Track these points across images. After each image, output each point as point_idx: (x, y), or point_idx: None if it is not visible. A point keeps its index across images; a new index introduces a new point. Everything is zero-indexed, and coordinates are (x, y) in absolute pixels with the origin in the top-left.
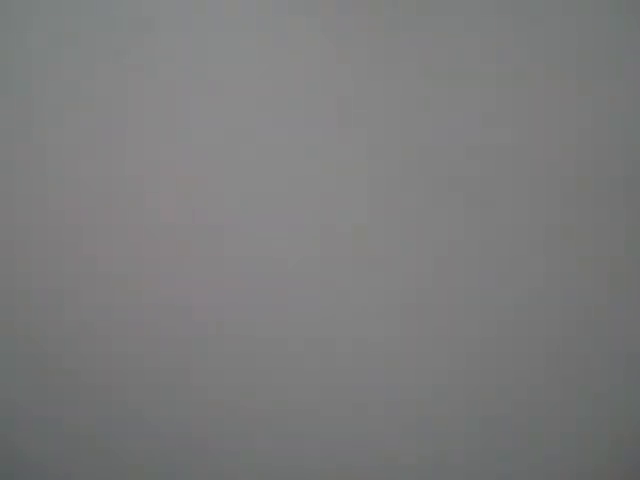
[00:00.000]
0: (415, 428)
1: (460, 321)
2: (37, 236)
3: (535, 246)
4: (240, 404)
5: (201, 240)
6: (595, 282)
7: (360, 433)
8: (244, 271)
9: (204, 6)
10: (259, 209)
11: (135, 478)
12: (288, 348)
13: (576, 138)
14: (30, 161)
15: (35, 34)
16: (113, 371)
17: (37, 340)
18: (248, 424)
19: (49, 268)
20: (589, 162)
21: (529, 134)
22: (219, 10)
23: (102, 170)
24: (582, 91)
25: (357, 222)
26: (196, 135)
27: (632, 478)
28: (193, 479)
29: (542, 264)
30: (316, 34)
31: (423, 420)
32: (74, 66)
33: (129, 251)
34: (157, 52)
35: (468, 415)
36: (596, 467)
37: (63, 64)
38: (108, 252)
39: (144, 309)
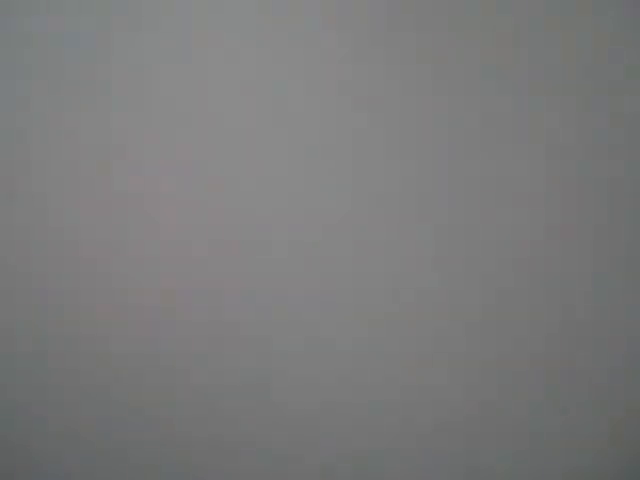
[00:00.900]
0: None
1: (460, 316)
2: (37, 236)
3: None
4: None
5: (201, 238)
6: (596, 275)
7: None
8: (244, 271)
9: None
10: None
11: (135, 477)
12: (285, 346)
13: (575, 139)
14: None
15: (35, 34)
16: (113, 371)
17: (37, 340)
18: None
19: (49, 268)
20: (588, 165)
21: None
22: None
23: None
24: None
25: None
26: (195, 133)
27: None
28: (193, 478)
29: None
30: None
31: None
32: (74, 66)
33: (129, 250)
34: (159, 53)
35: (467, 413)
36: (596, 465)
37: (63, 65)
38: (108, 252)
39: (144, 309)
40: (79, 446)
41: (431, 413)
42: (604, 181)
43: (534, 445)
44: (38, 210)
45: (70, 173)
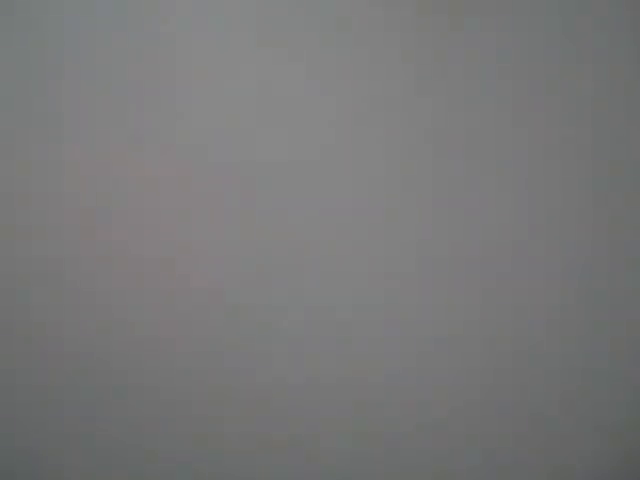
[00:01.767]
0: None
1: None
2: (37, 236)
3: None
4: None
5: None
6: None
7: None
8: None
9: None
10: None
11: (136, 477)
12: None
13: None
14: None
15: (36, 34)
16: (114, 369)
17: (37, 340)
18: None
19: (49, 268)
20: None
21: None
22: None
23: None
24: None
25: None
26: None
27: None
28: (194, 478)
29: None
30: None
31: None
32: (74, 67)
33: (129, 244)
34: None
35: (466, 411)
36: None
37: (63, 65)
38: (108, 252)
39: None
40: (79, 445)
41: (430, 412)
42: (605, 179)
43: (534, 445)
44: (38, 210)
45: (70, 173)
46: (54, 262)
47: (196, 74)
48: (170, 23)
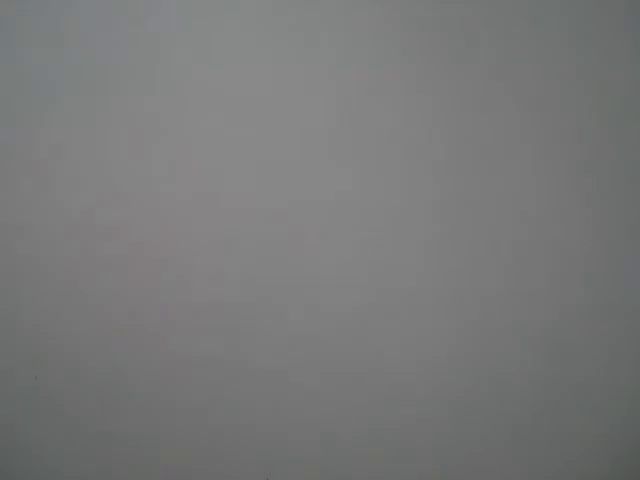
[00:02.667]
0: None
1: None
2: (38, 236)
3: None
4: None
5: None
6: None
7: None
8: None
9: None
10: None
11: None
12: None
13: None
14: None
15: (36, 34)
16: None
17: (37, 340)
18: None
19: (50, 268)
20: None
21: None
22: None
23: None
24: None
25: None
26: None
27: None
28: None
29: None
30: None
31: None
32: (74, 66)
33: (130, 240)
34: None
35: (467, 412)
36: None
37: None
38: (108, 250)
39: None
40: (79, 445)
41: (431, 412)
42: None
43: (533, 444)
44: (38, 209)
45: (71, 173)
46: (54, 262)
47: (196, 73)
48: (171, 23)
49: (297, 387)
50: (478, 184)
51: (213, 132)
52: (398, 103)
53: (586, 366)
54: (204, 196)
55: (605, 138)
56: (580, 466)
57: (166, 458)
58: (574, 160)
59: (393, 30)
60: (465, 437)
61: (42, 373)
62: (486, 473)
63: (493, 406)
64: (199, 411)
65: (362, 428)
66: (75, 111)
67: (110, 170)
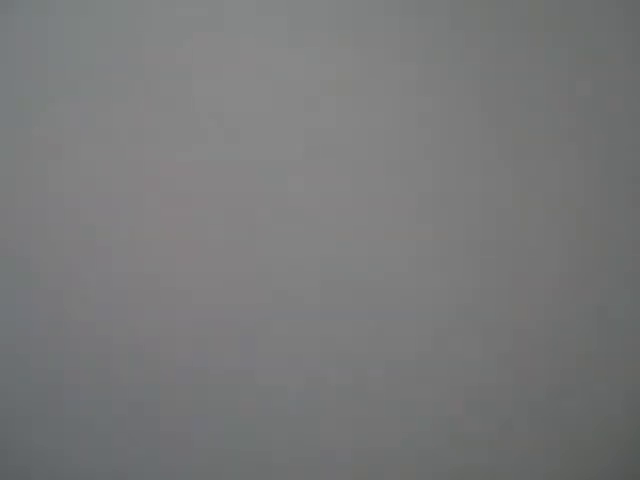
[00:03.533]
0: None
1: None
2: (38, 236)
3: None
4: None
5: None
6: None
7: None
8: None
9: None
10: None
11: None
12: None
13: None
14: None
15: (36, 34)
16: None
17: (36, 340)
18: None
19: (50, 268)
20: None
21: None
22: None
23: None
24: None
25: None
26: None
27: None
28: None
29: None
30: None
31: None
32: (74, 66)
33: (130, 247)
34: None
35: (466, 413)
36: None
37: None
38: (106, 251)
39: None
40: (80, 445)
41: (431, 412)
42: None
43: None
44: (38, 209)
45: (73, 174)
46: (54, 262)
47: (196, 72)
48: (172, 23)
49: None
50: (478, 183)
51: (212, 131)
52: (393, 103)
53: (586, 364)
54: (205, 196)
55: (604, 138)
56: (580, 465)
57: (167, 459)
58: (574, 159)
59: (391, 27)
60: (465, 437)
61: (41, 374)
62: (486, 473)
63: (486, 401)
64: (196, 417)
65: (362, 435)
66: (75, 112)
67: (111, 170)
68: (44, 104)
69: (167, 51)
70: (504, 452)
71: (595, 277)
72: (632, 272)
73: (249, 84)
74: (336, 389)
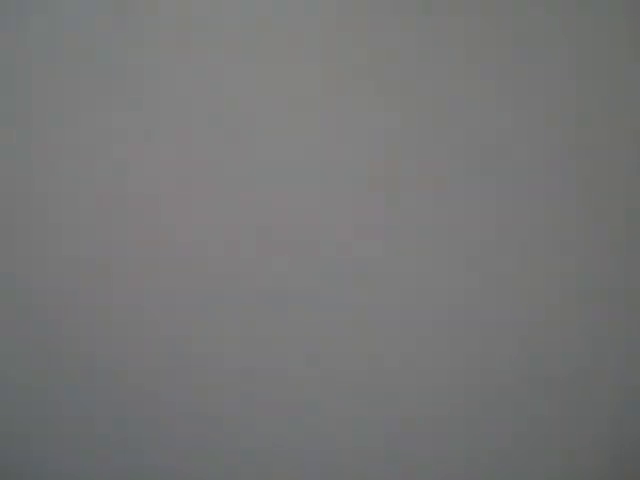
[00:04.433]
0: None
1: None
2: (38, 236)
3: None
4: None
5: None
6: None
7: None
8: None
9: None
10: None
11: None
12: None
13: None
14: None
15: (36, 34)
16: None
17: (37, 340)
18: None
19: (49, 269)
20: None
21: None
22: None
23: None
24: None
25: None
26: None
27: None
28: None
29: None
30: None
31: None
32: (74, 66)
33: (132, 251)
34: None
35: (466, 412)
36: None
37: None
38: (107, 251)
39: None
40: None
41: (431, 412)
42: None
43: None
44: (38, 209)
45: (76, 174)
46: (54, 262)
47: (196, 73)
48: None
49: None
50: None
51: (213, 132)
52: (396, 102)
53: (586, 362)
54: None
55: (606, 135)
56: (579, 464)
57: (166, 460)
58: (575, 157)
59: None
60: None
61: (42, 373)
62: (486, 473)
63: (487, 403)
64: (196, 408)
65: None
66: (75, 110)
67: (110, 170)
68: (43, 103)
69: (168, 50)
70: (504, 452)
71: (595, 277)
72: (632, 272)
73: (247, 80)
74: (335, 388)
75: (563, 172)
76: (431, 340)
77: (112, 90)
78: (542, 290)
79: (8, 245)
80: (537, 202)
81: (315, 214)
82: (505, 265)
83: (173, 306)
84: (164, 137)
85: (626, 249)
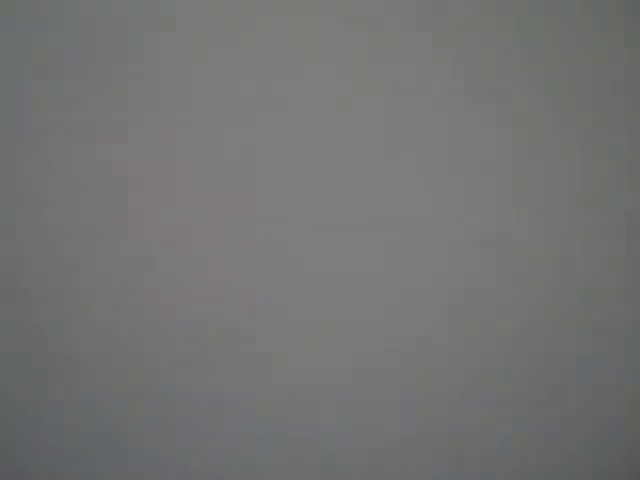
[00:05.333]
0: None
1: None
2: (38, 236)
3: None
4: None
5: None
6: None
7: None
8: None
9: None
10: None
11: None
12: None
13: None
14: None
15: (36, 34)
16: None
17: (37, 341)
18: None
19: (49, 268)
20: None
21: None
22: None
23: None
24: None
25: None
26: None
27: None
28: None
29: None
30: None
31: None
32: (74, 66)
33: (132, 252)
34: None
35: (466, 412)
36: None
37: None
38: (106, 251)
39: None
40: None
41: (432, 413)
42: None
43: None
44: (37, 209)
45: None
46: (54, 262)
47: (195, 72)
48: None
49: (295, 372)
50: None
51: (212, 130)
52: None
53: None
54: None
55: (606, 131)
56: (579, 463)
57: (166, 458)
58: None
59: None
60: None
61: (43, 372)
62: (486, 473)
63: (491, 400)
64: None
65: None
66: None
67: (109, 169)
68: (43, 103)
69: (166, 50)
70: (504, 452)
71: (595, 277)
72: (632, 272)
73: (247, 80)
74: (337, 386)
75: (564, 170)
76: (430, 340)
77: (111, 90)
78: (542, 290)
79: (7, 244)
80: (537, 202)
81: (315, 214)
82: (505, 264)
83: (174, 304)
84: (163, 136)
85: (626, 250)
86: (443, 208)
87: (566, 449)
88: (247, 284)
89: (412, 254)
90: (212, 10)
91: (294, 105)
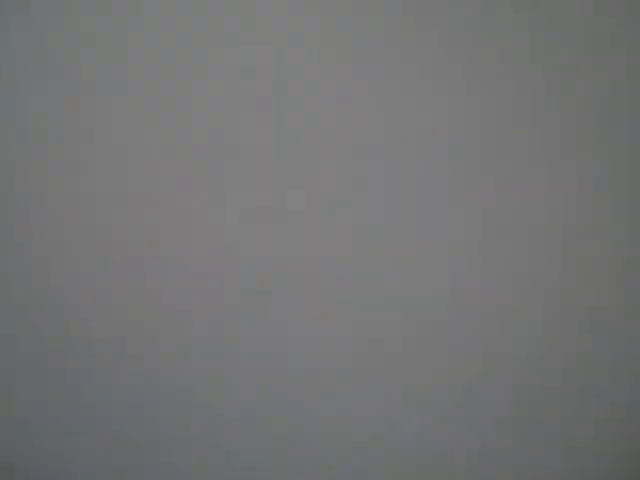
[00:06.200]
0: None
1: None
2: (38, 236)
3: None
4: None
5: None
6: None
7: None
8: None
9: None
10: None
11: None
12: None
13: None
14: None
15: (36, 34)
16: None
17: (37, 341)
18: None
19: (49, 268)
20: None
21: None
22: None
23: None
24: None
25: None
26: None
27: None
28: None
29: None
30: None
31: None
32: (74, 67)
33: (129, 245)
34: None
35: (466, 413)
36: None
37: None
38: (107, 251)
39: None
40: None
41: (431, 413)
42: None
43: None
44: (37, 209)
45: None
46: (53, 262)
47: (195, 71)
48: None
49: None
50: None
51: (213, 131)
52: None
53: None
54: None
55: (607, 131)
56: (579, 464)
57: (166, 458)
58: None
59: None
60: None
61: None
62: (486, 473)
63: (493, 395)
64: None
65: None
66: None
67: (109, 169)
68: (43, 103)
69: (166, 49)
70: (504, 452)
71: (595, 277)
72: (632, 271)
73: (247, 81)
74: (337, 386)
75: (563, 172)
76: (431, 339)
77: (111, 90)
78: (542, 290)
79: (7, 244)
80: (537, 202)
81: (315, 214)
82: (504, 265)
83: (174, 304)
84: (163, 136)
85: (626, 250)
86: (443, 208)
87: (566, 449)
88: (247, 284)
89: (412, 254)
90: (212, 10)
91: (294, 105)
